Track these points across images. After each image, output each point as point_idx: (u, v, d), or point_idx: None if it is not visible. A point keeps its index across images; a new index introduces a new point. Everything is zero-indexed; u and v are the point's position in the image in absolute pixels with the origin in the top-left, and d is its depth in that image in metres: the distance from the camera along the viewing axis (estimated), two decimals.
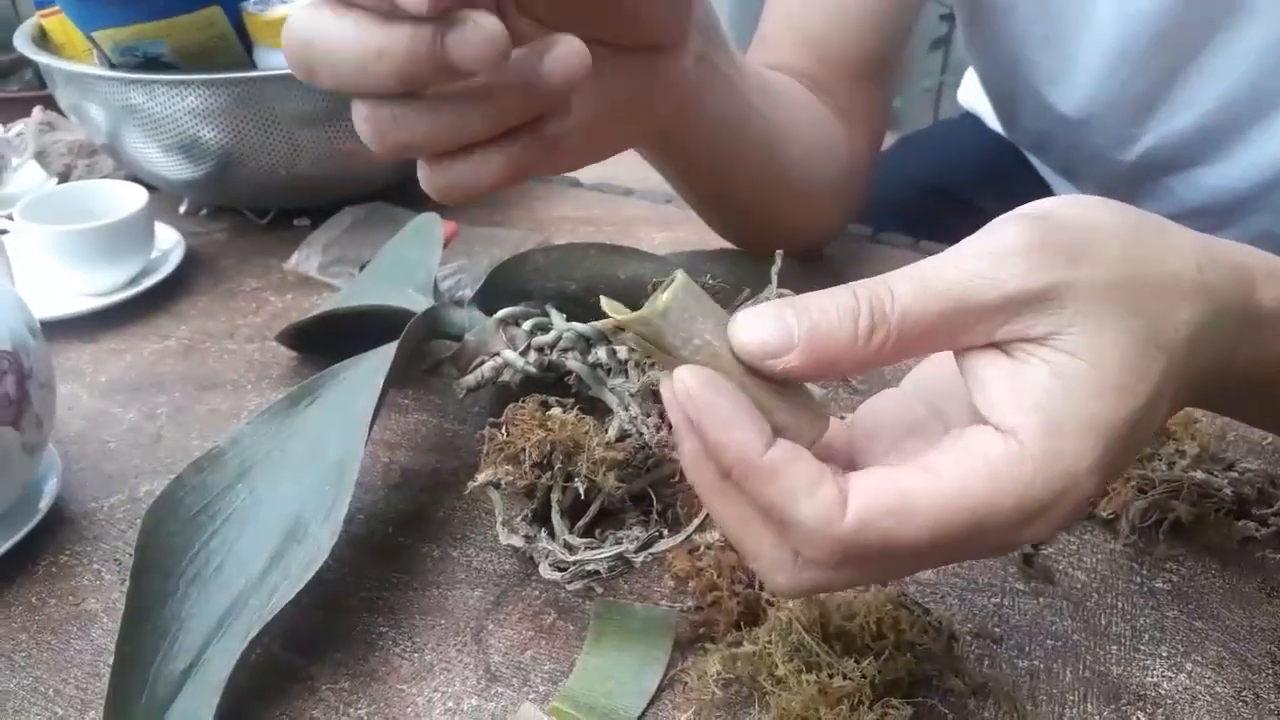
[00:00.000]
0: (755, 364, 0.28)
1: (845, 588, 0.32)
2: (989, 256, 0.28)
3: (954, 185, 0.94)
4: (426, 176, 0.36)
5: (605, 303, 0.29)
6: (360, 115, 0.33)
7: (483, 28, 0.29)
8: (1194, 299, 0.30)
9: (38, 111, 0.95)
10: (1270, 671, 0.42)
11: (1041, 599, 0.45)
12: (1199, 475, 0.48)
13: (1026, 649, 0.43)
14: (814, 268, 0.72)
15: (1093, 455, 0.28)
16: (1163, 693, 0.41)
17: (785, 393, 0.30)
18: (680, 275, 0.29)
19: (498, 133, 0.35)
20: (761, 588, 0.43)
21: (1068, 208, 0.30)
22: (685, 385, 0.28)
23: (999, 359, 0.29)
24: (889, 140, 0.79)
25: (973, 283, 0.28)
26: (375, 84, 0.31)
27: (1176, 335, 0.29)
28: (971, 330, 0.29)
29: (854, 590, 0.44)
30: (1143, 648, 0.43)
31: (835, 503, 0.28)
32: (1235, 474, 0.49)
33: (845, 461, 0.32)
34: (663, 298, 0.28)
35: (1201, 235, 0.32)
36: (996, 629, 0.44)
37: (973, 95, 0.99)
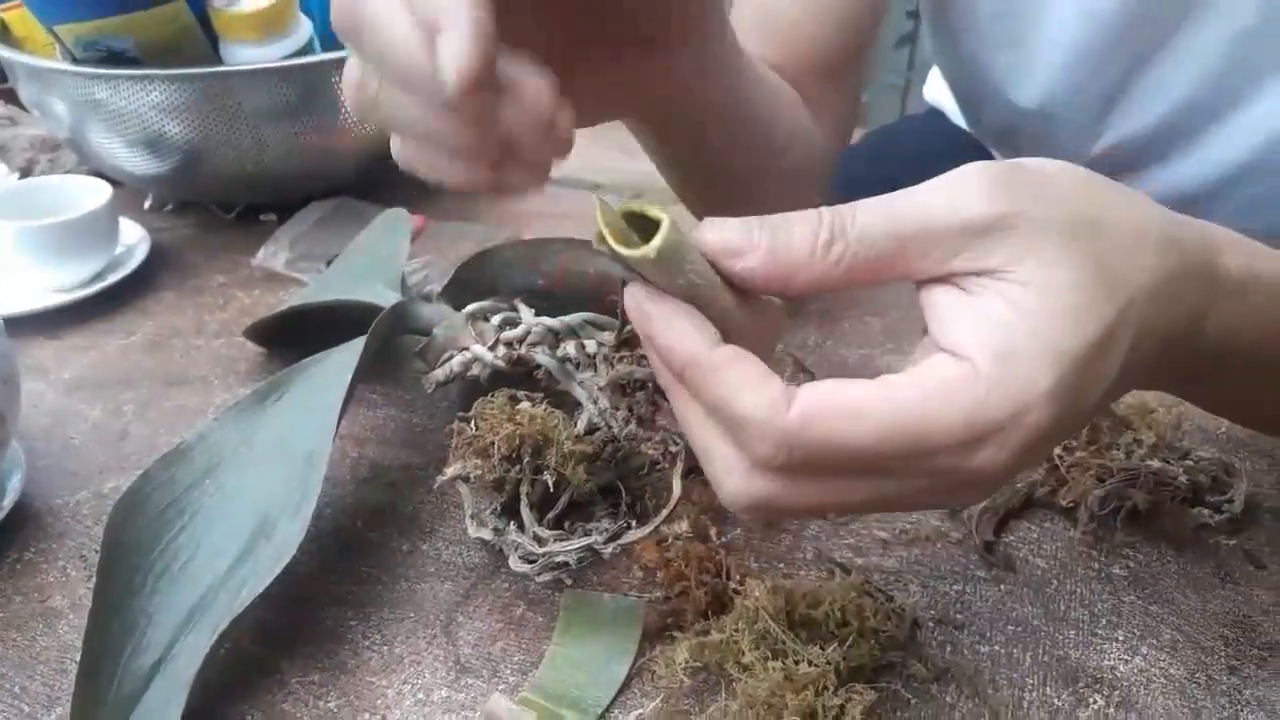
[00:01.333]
0: (717, 261, 0.29)
1: (795, 510, 0.31)
2: (950, 188, 0.29)
3: (919, 181, 0.95)
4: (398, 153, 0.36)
5: (598, 206, 0.29)
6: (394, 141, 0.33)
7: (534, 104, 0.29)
8: (1159, 248, 0.30)
9: None
10: (1223, 654, 0.43)
11: (1002, 586, 0.46)
12: (1155, 464, 0.49)
13: (988, 634, 0.44)
14: None
15: (1046, 380, 0.28)
16: (1119, 675, 0.42)
17: (750, 313, 0.31)
18: (668, 219, 0.28)
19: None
20: (728, 576, 0.43)
21: (1036, 161, 0.31)
22: (635, 298, 0.30)
23: (956, 294, 0.30)
24: (856, 135, 0.79)
25: (932, 209, 0.29)
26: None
27: (1139, 278, 0.30)
28: (927, 256, 0.29)
29: (819, 578, 0.45)
30: (1100, 632, 0.44)
31: (780, 397, 0.28)
32: (1190, 462, 0.50)
33: None
34: (657, 242, 0.28)
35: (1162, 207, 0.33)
36: (958, 615, 0.45)
37: (938, 91, 1.01)
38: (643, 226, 0.29)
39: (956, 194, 0.29)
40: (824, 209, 0.29)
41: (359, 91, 0.32)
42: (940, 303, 0.30)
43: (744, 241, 0.29)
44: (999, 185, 0.29)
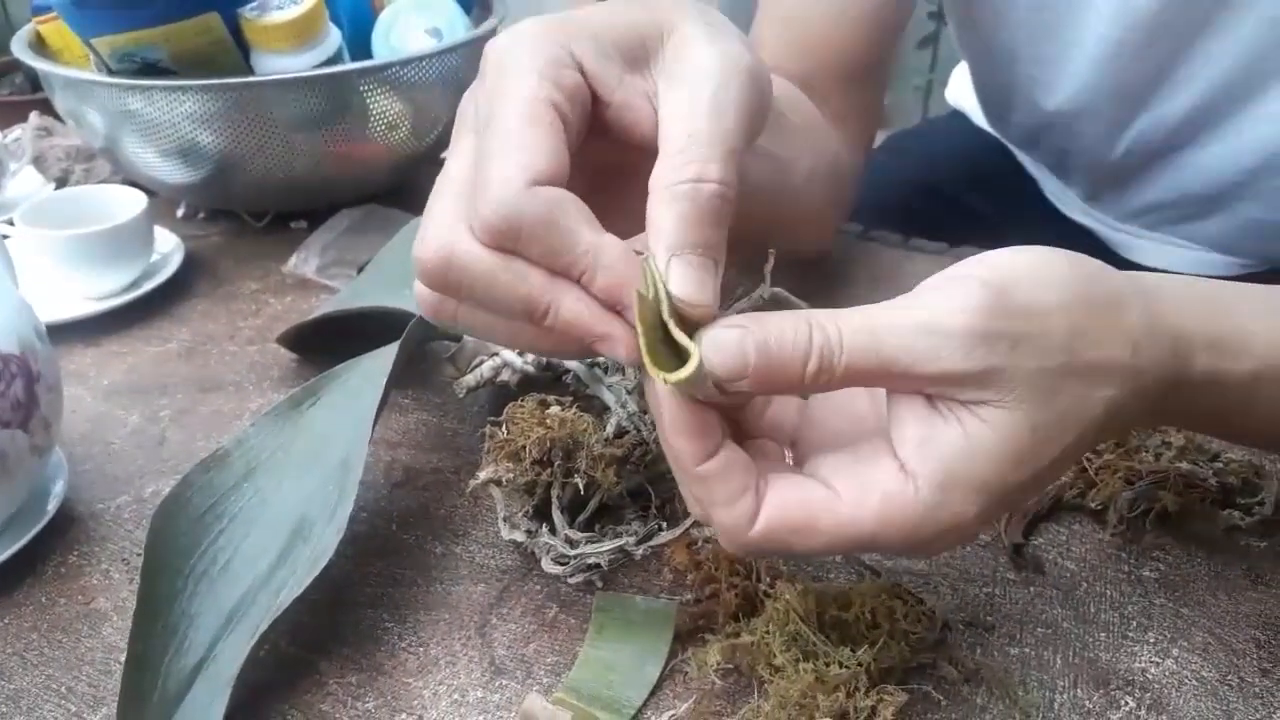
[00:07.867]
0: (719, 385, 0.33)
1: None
2: (937, 333, 0.31)
3: (942, 183, 0.95)
4: None
5: (642, 293, 0.31)
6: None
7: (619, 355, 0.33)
8: (1120, 380, 0.33)
9: (34, 117, 0.95)
10: (1254, 656, 0.43)
11: (1032, 588, 0.46)
12: (1185, 466, 0.49)
13: (1018, 637, 0.44)
14: (807, 265, 0.73)
15: (974, 509, 0.32)
16: (1150, 677, 0.42)
17: None
18: (698, 353, 0.31)
19: None
20: (759, 579, 0.44)
21: (1028, 281, 0.33)
22: (658, 394, 0.33)
23: (920, 406, 0.33)
24: (879, 138, 0.80)
25: (916, 353, 0.32)
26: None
27: (1092, 411, 0.33)
28: (904, 385, 0.33)
29: (849, 581, 0.45)
30: (1131, 634, 0.44)
31: (746, 517, 0.33)
32: (1220, 464, 0.50)
33: (789, 438, 0.37)
34: (688, 371, 0.31)
35: (1152, 308, 0.35)
36: (989, 618, 0.45)
37: (960, 93, 1.00)
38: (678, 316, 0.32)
39: (940, 342, 0.31)
40: (815, 331, 0.32)
41: (437, 309, 0.36)
42: (904, 408, 0.33)
43: (739, 369, 0.32)
44: (980, 340, 0.31)
